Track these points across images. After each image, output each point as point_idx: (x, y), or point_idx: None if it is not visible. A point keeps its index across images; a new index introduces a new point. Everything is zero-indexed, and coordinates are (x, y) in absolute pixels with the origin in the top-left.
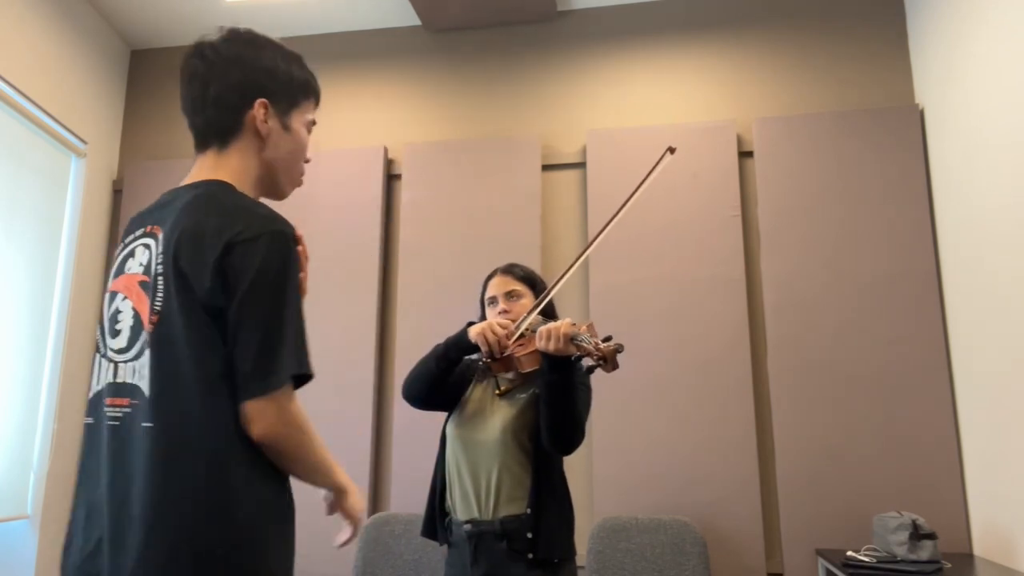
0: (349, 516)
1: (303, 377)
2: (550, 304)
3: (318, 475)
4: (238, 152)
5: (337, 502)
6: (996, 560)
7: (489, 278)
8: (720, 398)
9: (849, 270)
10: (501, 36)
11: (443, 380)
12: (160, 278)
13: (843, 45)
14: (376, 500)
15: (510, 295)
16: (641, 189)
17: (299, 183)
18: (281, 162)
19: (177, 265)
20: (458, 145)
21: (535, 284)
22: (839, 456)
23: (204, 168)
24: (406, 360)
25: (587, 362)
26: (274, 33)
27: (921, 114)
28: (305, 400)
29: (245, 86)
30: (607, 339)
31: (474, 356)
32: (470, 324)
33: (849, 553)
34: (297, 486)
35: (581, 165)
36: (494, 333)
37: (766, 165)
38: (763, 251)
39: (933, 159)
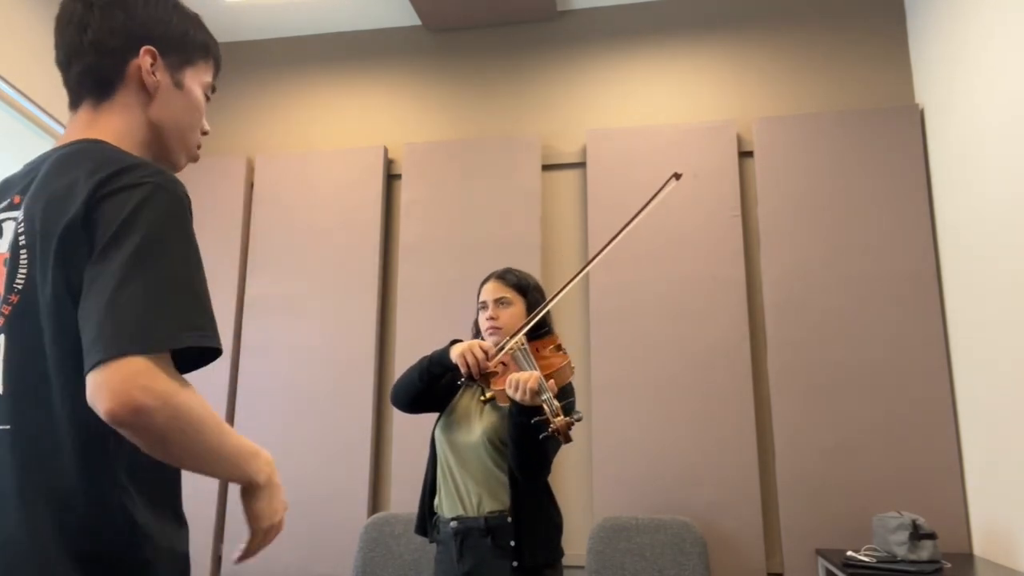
0: (252, 520)
1: (211, 351)
2: (547, 314)
3: (210, 466)
4: (119, 109)
5: (243, 500)
6: (996, 560)
7: (484, 282)
8: (720, 398)
9: (849, 270)
10: (501, 36)
11: (426, 393)
12: (23, 252)
13: (843, 45)
14: (376, 500)
15: (499, 302)
16: (644, 213)
17: (194, 155)
18: (172, 123)
19: (41, 234)
20: (458, 145)
21: (527, 292)
22: (839, 456)
23: (75, 128)
24: (406, 360)
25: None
26: (274, 33)
27: (921, 114)
28: (305, 400)
29: (130, 30)
30: (569, 405)
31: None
32: (454, 341)
33: (849, 553)
34: (297, 483)
35: (581, 165)
36: (474, 356)
37: (766, 165)
38: (763, 251)
39: (933, 159)
